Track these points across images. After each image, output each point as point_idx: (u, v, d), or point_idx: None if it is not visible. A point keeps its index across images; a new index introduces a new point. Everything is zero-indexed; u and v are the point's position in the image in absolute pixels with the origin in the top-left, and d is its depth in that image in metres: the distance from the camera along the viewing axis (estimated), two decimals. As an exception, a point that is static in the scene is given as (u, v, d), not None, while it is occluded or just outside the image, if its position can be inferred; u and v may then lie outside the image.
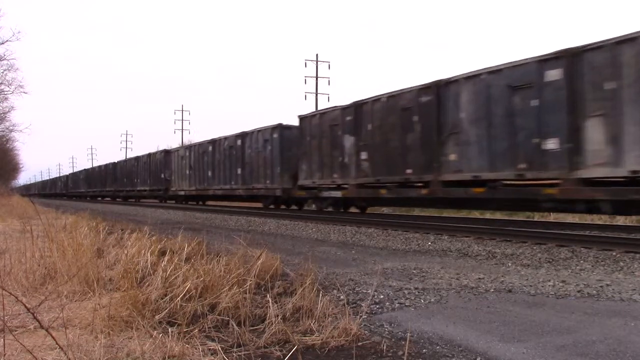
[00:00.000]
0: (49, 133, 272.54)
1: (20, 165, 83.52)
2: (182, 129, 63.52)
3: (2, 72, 30.26)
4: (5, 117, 36.48)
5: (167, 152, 32.38)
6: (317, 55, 42.60)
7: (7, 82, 30.77)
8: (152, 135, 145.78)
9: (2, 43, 28.17)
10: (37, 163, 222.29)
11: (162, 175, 31.70)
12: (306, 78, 41.77)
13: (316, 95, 41.67)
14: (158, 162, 32.72)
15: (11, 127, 38.32)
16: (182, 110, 64.34)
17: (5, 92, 31.53)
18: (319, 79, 41.84)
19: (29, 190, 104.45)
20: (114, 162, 43.81)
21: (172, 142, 73.40)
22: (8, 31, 59.51)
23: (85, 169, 58.21)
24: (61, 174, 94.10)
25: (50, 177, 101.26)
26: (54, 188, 78.04)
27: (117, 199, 43.04)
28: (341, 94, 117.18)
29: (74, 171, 70.19)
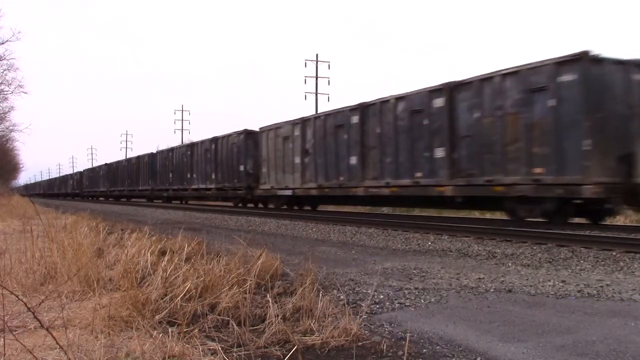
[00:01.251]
0: (49, 133, 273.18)
1: (20, 165, 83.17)
2: (182, 129, 63.58)
3: (2, 72, 30.24)
4: (5, 117, 36.41)
5: (250, 134, 22.26)
6: (317, 55, 42.57)
7: (7, 82, 30.74)
8: (152, 135, 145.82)
9: (2, 43, 28.15)
10: (37, 163, 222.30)
11: (242, 167, 22.21)
12: (306, 78, 41.77)
13: (316, 95, 41.70)
14: (234, 149, 22.95)
15: (11, 127, 38.16)
16: (182, 110, 64.33)
17: (5, 92, 31.51)
18: (319, 79, 41.87)
19: (32, 190, 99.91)
20: (152, 153, 34.80)
21: (172, 142, 73.14)
22: (8, 31, 59.41)
23: (106, 164, 47.20)
24: (61, 174, 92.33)
25: (57, 175, 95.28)
26: (64, 187, 68.40)
27: (155, 200, 34.50)
28: (341, 94, 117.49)
29: (91, 167, 60.14)
